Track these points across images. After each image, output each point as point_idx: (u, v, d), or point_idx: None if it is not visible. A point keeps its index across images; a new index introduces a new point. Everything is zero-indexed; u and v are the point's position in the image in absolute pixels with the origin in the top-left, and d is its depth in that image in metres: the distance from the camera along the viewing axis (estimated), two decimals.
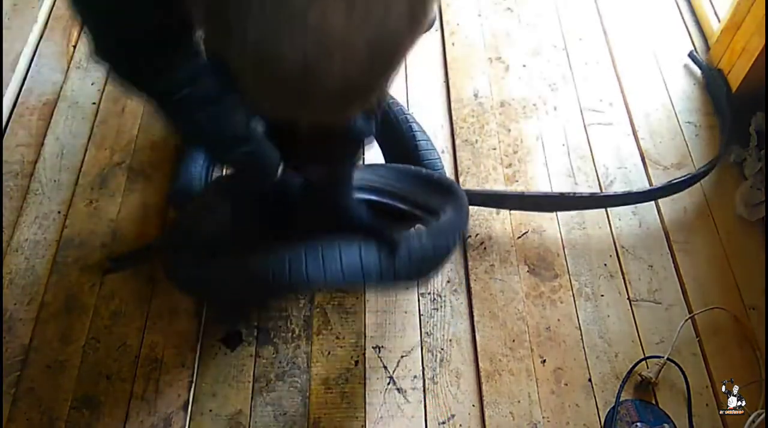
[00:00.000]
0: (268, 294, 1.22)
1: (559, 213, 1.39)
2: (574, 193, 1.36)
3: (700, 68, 1.59)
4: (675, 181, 1.37)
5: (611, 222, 1.38)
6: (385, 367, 1.22)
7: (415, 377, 1.21)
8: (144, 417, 1.17)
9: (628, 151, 1.49)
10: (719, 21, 1.60)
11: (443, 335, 1.25)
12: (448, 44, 1.68)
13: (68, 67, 1.64)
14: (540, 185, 1.43)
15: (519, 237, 1.37)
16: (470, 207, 1.30)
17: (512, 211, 1.39)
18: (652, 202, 1.40)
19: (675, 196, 1.39)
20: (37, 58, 1.67)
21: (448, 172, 1.43)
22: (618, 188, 1.43)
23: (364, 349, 1.24)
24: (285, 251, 1.01)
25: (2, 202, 1.42)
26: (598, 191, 1.41)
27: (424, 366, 1.22)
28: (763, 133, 1.42)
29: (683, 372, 1.18)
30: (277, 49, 0.45)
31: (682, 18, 1.71)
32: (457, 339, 1.25)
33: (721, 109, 1.49)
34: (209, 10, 0.47)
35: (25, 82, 1.62)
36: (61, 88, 1.60)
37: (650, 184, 1.43)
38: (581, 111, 1.55)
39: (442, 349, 1.24)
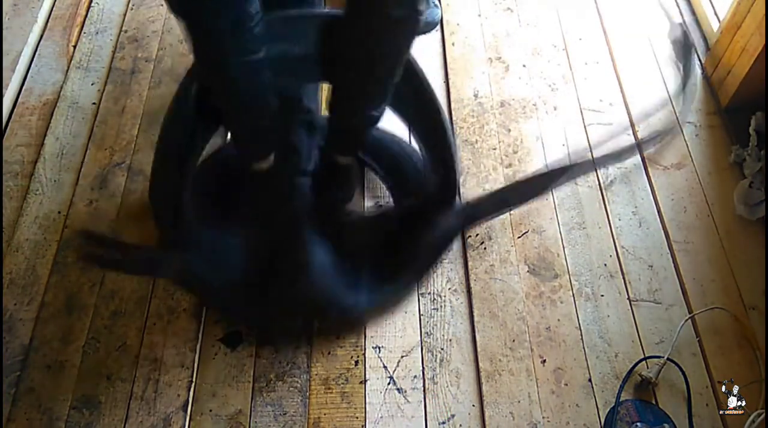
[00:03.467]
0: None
1: (559, 214, 1.39)
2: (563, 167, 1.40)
3: (669, 21, 1.69)
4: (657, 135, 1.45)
5: (611, 222, 1.38)
6: (385, 367, 1.22)
7: (415, 377, 1.21)
8: (144, 417, 1.17)
9: None
10: (719, 21, 1.60)
11: (443, 335, 1.25)
12: (448, 44, 1.68)
13: (68, 67, 1.65)
14: None
15: (519, 237, 1.37)
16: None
17: (512, 211, 1.39)
18: (653, 202, 1.40)
19: (676, 197, 1.40)
20: (37, 58, 1.67)
21: None
22: (618, 188, 1.43)
23: (364, 349, 1.24)
24: None
25: (2, 202, 1.42)
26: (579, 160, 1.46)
27: (424, 366, 1.22)
28: (763, 133, 1.42)
29: (683, 372, 1.18)
30: None
31: (682, 18, 1.71)
32: (457, 339, 1.25)
33: (683, 58, 1.60)
34: None
35: (25, 82, 1.62)
36: (61, 88, 1.60)
37: (650, 184, 1.43)
38: (581, 111, 1.55)
39: (442, 349, 1.24)
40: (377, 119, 1.19)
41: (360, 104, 1.15)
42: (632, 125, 1.52)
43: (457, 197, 1.31)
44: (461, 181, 1.43)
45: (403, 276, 1.28)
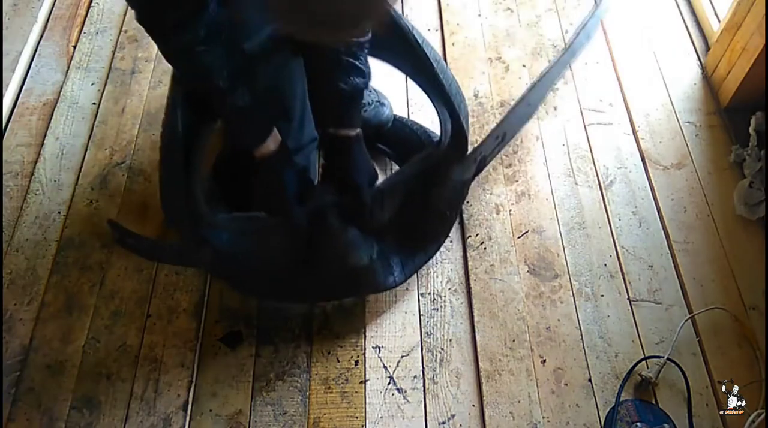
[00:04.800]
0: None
1: (559, 214, 1.39)
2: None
3: None
4: None
5: (611, 222, 1.38)
6: (385, 367, 1.22)
7: (415, 377, 1.21)
8: (144, 417, 1.17)
9: (628, 151, 1.49)
10: (719, 21, 1.60)
11: (443, 335, 1.25)
12: (448, 44, 1.68)
13: (68, 67, 1.65)
14: (540, 185, 1.43)
15: (519, 237, 1.37)
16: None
17: (512, 211, 1.39)
18: (653, 202, 1.40)
19: (675, 197, 1.40)
20: (37, 58, 1.67)
21: None
22: (618, 188, 1.43)
23: (364, 349, 1.24)
24: None
25: (2, 202, 1.42)
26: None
27: (424, 366, 1.22)
28: (763, 133, 1.42)
29: (683, 372, 1.18)
30: None
31: (682, 18, 1.71)
32: (457, 339, 1.25)
33: None
34: None
35: (25, 82, 1.62)
36: (61, 88, 1.60)
37: (650, 184, 1.43)
38: (581, 111, 1.55)
39: (442, 349, 1.24)
40: (362, 85, 1.15)
41: (335, 73, 1.13)
42: (632, 125, 1.53)
43: (468, 147, 1.31)
44: None
45: (431, 240, 1.30)
